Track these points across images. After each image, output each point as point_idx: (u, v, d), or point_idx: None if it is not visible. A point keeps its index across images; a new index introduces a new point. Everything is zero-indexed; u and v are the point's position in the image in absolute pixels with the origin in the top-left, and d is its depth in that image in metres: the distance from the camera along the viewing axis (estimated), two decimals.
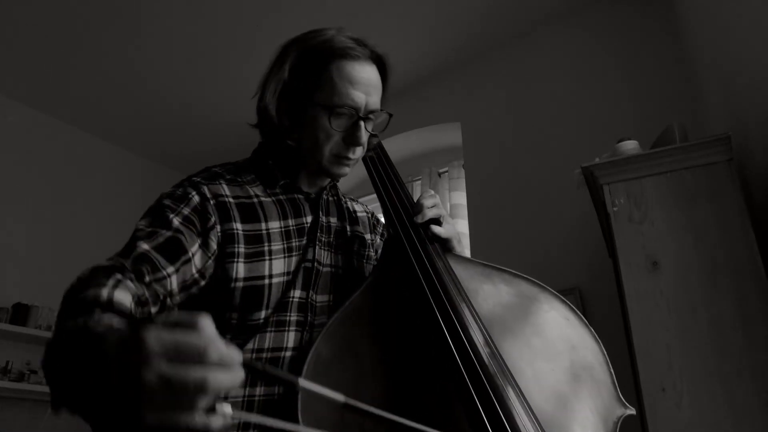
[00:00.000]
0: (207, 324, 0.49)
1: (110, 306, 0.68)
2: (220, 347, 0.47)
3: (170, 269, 0.80)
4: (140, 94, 3.65)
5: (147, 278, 0.77)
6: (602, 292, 2.32)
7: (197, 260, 0.83)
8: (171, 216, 0.83)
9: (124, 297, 0.71)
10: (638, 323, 1.41)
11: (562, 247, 2.59)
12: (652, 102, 2.55)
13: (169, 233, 0.82)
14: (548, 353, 0.84)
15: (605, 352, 0.86)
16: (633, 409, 0.82)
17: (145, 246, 0.79)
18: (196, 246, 0.84)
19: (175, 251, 0.81)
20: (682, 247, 1.44)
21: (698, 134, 2.10)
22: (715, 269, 1.38)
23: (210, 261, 0.85)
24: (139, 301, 0.74)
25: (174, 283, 0.80)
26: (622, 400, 0.82)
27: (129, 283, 0.74)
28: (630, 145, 1.68)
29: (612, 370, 0.85)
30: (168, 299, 0.80)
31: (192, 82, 3.55)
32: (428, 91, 3.45)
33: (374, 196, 1.03)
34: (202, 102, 3.73)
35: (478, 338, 0.78)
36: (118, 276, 0.73)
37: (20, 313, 3.24)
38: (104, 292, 0.69)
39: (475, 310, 0.83)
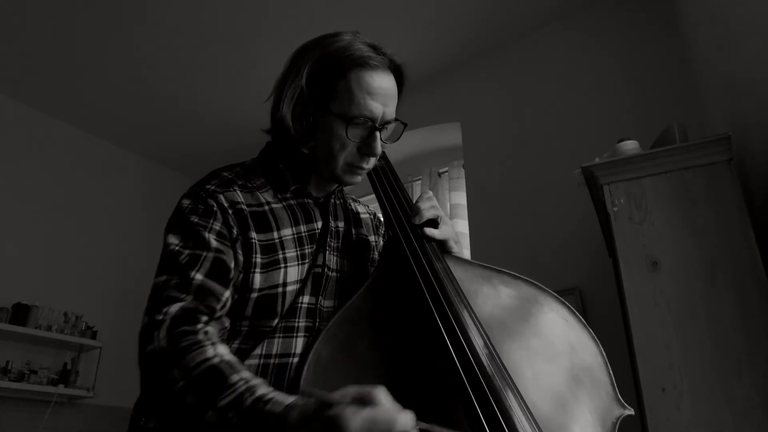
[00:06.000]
0: (385, 398, 0.59)
1: (230, 366, 0.70)
2: (401, 419, 0.57)
3: (226, 294, 0.81)
4: (141, 94, 3.65)
5: (218, 313, 0.80)
6: (602, 292, 2.32)
7: (234, 276, 0.84)
8: (206, 234, 0.83)
9: (225, 351, 0.74)
10: (638, 323, 1.41)
11: (562, 247, 2.59)
12: (652, 102, 2.54)
13: (211, 254, 0.81)
14: (547, 355, 0.84)
15: (604, 353, 0.86)
16: (631, 409, 0.82)
17: (199, 276, 0.79)
18: (233, 263, 0.84)
19: (224, 274, 0.82)
20: (682, 247, 1.43)
21: (698, 134, 2.10)
22: (715, 269, 1.38)
23: (240, 274, 0.85)
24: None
25: (229, 303, 0.82)
26: (620, 401, 0.82)
27: (212, 329, 0.77)
28: (630, 145, 1.68)
29: (611, 371, 0.84)
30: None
31: (193, 83, 3.55)
32: (428, 91, 3.44)
33: (373, 195, 1.03)
34: (203, 102, 3.73)
35: (476, 340, 0.78)
36: (201, 326, 0.76)
37: (20, 313, 3.24)
38: (209, 352, 0.71)
39: (473, 312, 0.83)
